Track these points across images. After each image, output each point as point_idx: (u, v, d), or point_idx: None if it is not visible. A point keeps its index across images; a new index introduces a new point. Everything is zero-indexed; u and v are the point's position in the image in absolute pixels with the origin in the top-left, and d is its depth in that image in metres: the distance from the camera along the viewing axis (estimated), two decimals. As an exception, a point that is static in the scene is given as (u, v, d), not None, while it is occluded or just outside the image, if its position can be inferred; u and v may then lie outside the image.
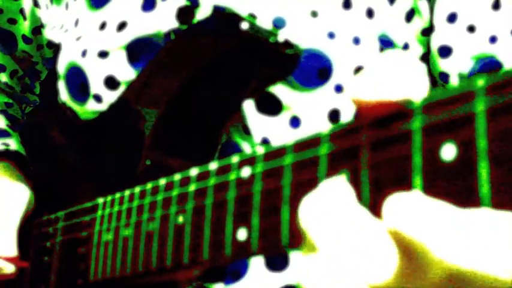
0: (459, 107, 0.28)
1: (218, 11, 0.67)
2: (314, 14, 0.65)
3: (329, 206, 0.31)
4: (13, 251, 0.73)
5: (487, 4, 0.64)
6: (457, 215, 0.27)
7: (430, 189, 0.29)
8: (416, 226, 0.28)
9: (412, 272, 0.29)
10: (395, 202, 0.29)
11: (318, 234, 0.31)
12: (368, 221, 0.30)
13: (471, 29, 0.65)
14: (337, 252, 0.30)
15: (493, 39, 0.64)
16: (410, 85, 0.30)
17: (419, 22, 0.67)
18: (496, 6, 0.64)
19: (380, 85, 0.31)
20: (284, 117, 0.65)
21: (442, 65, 0.67)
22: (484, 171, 0.27)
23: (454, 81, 0.67)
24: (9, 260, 0.73)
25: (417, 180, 0.30)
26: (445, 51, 0.67)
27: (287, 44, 0.57)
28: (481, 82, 0.28)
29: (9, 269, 0.73)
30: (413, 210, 0.28)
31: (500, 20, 0.64)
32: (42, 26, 0.84)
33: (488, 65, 0.64)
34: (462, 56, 0.66)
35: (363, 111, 0.33)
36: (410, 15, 0.67)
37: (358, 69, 0.64)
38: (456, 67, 0.66)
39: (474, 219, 0.27)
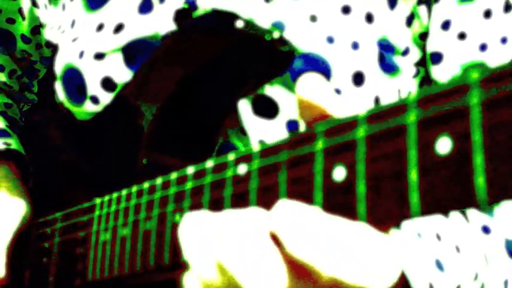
0: (454, 101, 0.28)
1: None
2: (313, 18, 0.65)
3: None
4: (1, 273, 0.73)
5: (478, 12, 0.64)
6: (331, 227, 0.33)
7: (425, 182, 0.29)
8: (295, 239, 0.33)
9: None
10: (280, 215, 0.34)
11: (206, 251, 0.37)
12: (260, 239, 0.35)
13: (462, 36, 0.65)
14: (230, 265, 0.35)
15: (483, 47, 0.64)
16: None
17: (418, 26, 0.67)
18: (488, 14, 0.64)
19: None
20: (281, 120, 0.65)
21: (434, 71, 0.67)
22: (479, 163, 0.27)
23: None
24: None
25: (413, 173, 0.30)
26: (437, 58, 0.67)
27: (282, 41, 0.57)
28: (475, 75, 0.28)
29: None
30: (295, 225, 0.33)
31: (491, 28, 0.64)
32: (41, 25, 0.84)
33: None
34: (452, 63, 0.66)
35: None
36: (410, 20, 0.67)
37: (356, 75, 0.64)
38: (446, 74, 0.66)
39: (350, 232, 0.32)
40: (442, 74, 0.67)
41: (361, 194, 0.33)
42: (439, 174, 0.29)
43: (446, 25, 0.66)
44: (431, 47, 0.67)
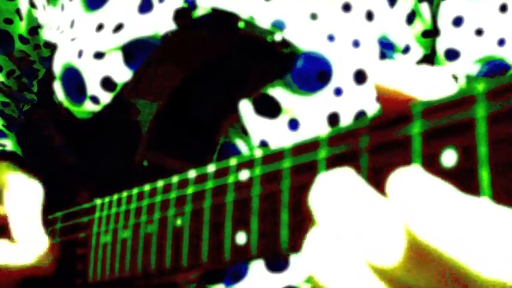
0: (459, 112, 0.28)
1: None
2: (314, 16, 0.65)
3: (339, 187, 0.30)
4: (45, 242, 0.68)
5: (494, 7, 0.64)
6: (460, 202, 0.26)
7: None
8: (419, 208, 0.27)
9: (416, 264, 0.28)
10: (399, 180, 0.28)
11: (325, 212, 0.30)
12: (381, 205, 0.29)
13: (479, 32, 0.65)
14: (343, 231, 0.29)
15: (501, 42, 0.64)
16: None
17: (420, 24, 0.67)
18: (503, 8, 0.64)
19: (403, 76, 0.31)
20: (283, 119, 0.65)
21: (450, 67, 0.67)
22: (485, 177, 0.27)
23: (461, 83, 0.67)
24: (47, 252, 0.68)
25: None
26: (452, 55, 0.67)
27: (284, 43, 0.57)
28: (481, 87, 0.27)
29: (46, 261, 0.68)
30: (416, 190, 0.27)
31: (507, 23, 0.64)
32: (39, 26, 0.84)
33: (497, 67, 0.64)
34: (470, 59, 0.66)
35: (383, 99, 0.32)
36: (411, 18, 0.67)
37: (357, 73, 0.64)
38: (464, 69, 0.66)
39: (476, 210, 0.26)
40: (459, 70, 0.67)
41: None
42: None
43: (458, 21, 0.66)
44: (444, 44, 0.67)
